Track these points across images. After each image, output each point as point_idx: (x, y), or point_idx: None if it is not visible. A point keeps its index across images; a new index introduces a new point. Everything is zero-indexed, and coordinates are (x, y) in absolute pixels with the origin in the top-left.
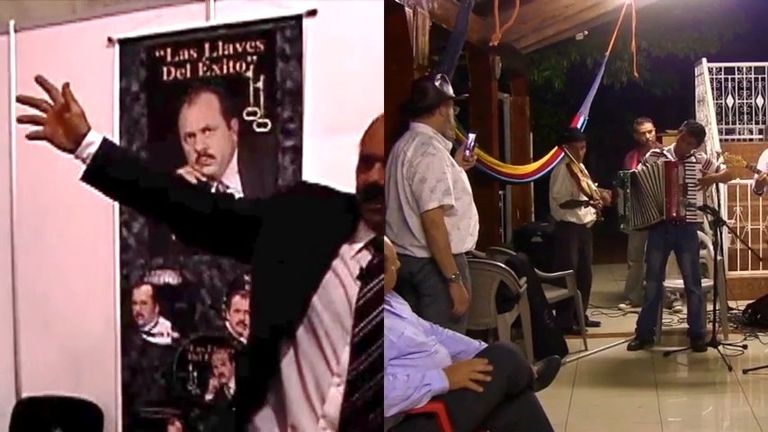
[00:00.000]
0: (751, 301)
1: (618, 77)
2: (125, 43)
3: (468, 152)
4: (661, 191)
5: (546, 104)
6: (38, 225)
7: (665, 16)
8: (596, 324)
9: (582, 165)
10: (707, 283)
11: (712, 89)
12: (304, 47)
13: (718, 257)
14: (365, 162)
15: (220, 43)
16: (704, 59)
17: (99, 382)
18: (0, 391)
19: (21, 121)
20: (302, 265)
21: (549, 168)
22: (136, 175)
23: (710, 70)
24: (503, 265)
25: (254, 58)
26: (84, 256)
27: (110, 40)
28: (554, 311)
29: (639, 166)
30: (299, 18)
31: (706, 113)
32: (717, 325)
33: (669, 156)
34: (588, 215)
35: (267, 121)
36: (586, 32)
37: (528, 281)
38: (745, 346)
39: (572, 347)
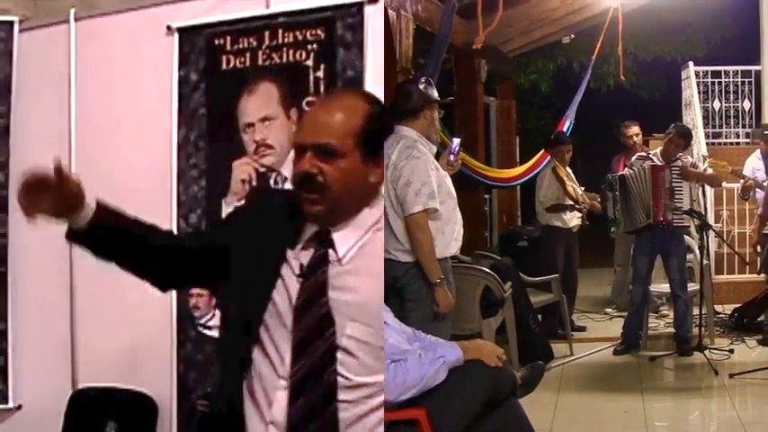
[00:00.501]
0: (737, 306)
1: (605, 81)
2: (184, 32)
3: (452, 156)
4: (648, 194)
5: (532, 108)
6: None
7: (652, 20)
8: (582, 329)
9: (568, 168)
10: (693, 287)
11: (699, 93)
12: (366, 34)
13: (705, 262)
14: (297, 152)
15: (280, 31)
16: (691, 63)
17: (154, 374)
18: (57, 382)
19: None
20: (259, 281)
21: (536, 172)
22: (130, 239)
23: (697, 74)
24: (487, 270)
25: (315, 46)
26: None
27: (169, 28)
28: (539, 316)
29: (627, 170)
30: (360, 5)
31: (693, 117)
32: (703, 329)
33: (656, 159)
34: (574, 219)
35: None
36: (573, 36)
37: (513, 285)
38: (731, 351)
39: (557, 352)
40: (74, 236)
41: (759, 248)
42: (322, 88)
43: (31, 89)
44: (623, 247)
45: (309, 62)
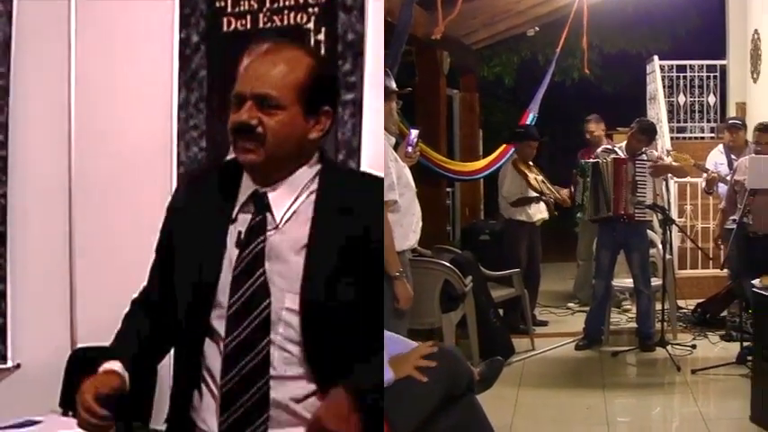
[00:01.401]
0: (700, 301)
1: (569, 74)
2: None
3: (410, 148)
4: (610, 187)
5: (497, 101)
6: (96, 197)
7: (617, 13)
8: (544, 323)
9: (530, 163)
10: (656, 282)
11: (664, 87)
12: None
13: (668, 256)
14: (237, 101)
15: None
16: (656, 57)
17: None
18: (56, 341)
19: None
20: (205, 272)
21: (498, 165)
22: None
23: (662, 68)
24: (447, 264)
25: (315, 9)
26: (141, 221)
27: None
28: (501, 311)
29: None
30: None
31: (657, 111)
32: (666, 324)
33: (620, 153)
34: (538, 213)
35: None
36: (538, 28)
37: (474, 280)
38: (694, 346)
39: (519, 347)
40: None
41: (722, 243)
42: (323, 51)
43: (31, 50)
44: (586, 242)
45: (310, 25)
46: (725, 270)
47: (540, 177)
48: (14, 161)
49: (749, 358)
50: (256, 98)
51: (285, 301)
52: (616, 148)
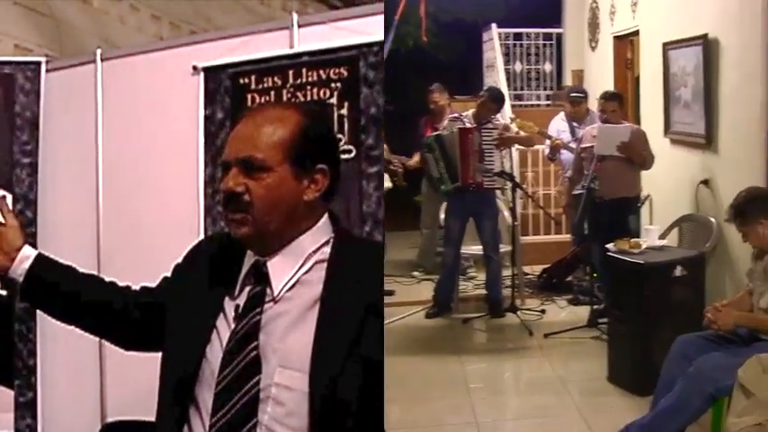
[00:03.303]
0: (546, 266)
1: (404, 42)
2: (210, 71)
3: None
4: (456, 157)
5: None
6: (125, 274)
7: None
8: (390, 293)
9: None
10: (504, 248)
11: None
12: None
13: (515, 223)
14: (223, 170)
15: (304, 70)
16: (494, 25)
17: None
18: (85, 416)
19: None
20: (193, 340)
21: None
22: (72, 288)
23: (500, 36)
24: None
25: (338, 84)
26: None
27: (195, 68)
28: None
29: (442, 130)
30: (381, 44)
31: (496, 79)
32: (514, 290)
33: (467, 122)
34: (385, 182)
35: (351, 147)
36: None
37: None
38: (543, 311)
39: None
40: (8, 285)
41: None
42: (346, 126)
43: (59, 128)
44: (431, 211)
45: (333, 100)
46: (569, 235)
47: (384, 146)
48: (43, 238)
49: (600, 321)
50: (241, 163)
51: (275, 376)
52: (463, 117)
